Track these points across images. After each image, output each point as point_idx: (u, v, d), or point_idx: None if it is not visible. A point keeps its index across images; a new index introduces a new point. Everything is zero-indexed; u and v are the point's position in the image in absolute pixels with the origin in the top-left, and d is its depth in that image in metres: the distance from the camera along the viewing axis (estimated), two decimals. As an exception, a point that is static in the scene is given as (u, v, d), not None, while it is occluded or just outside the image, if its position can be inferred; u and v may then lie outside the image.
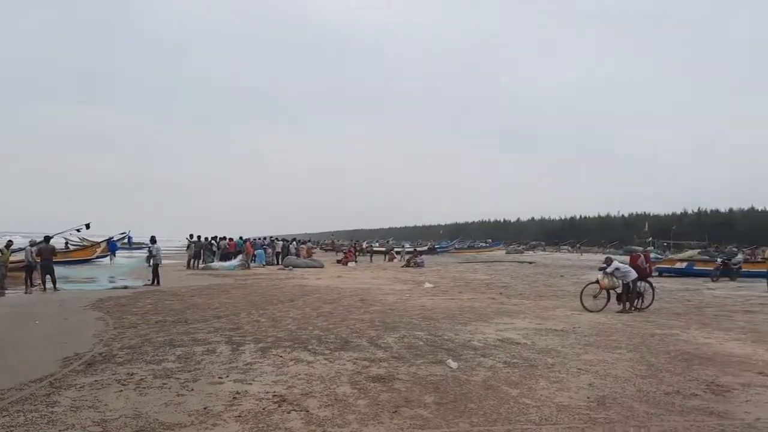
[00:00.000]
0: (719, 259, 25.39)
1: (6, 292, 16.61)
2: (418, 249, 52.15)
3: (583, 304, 13.07)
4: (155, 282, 18.83)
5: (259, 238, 44.36)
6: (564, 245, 79.98)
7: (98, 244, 32.33)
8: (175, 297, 14.99)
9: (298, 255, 33.32)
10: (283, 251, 34.17)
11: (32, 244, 18.14)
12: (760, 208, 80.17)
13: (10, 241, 19.08)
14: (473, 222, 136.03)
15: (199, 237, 29.87)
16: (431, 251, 60.36)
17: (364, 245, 53.08)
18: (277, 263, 32.34)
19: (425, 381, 6.35)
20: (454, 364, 7.10)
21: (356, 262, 36.07)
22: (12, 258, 18.70)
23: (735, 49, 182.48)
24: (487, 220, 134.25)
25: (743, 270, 24.26)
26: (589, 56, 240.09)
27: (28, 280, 17.61)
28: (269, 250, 34.33)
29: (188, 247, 29.68)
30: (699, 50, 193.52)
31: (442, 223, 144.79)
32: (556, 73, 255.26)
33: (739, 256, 25.57)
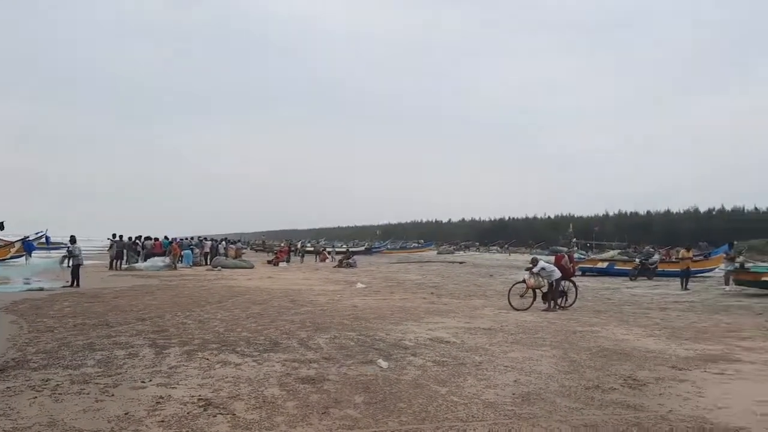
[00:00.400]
0: (637, 260, 26.64)
1: None
2: (355, 249, 52.17)
3: (510, 303, 13.42)
4: (75, 283, 17.98)
5: (187, 238, 43.19)
6: (493, 246, 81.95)
7: (12, 243, 30.54)
8: (96, 299, 14.36)
9: (227, 255, 32.65)
10: (212, 251, 33.40)
11: None
12: (675, 210, 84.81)
13: None
14: (406, 223, 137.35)
15: (121, 237, 28.68)
16: (368, 252, 60.60)
17: (299, 245, 52.61)
18: (206, 264, 31.58)
19: (355, 381, 6.34)
20: (384, 364, 7.14)
21: (288, 262, 35.71)
22: None
23: (659, 57, 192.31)
24: (419, 220, 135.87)
25: (659, 269, 25.58)
26: (521, 59, 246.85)
27: None
28: (197, 251, 33.49)
29: (110, 247, 28.46)
30: (627, 56, 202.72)
31: (375, 224, 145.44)
32: (487, 75, 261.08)
33: (656, 257, 26.90)
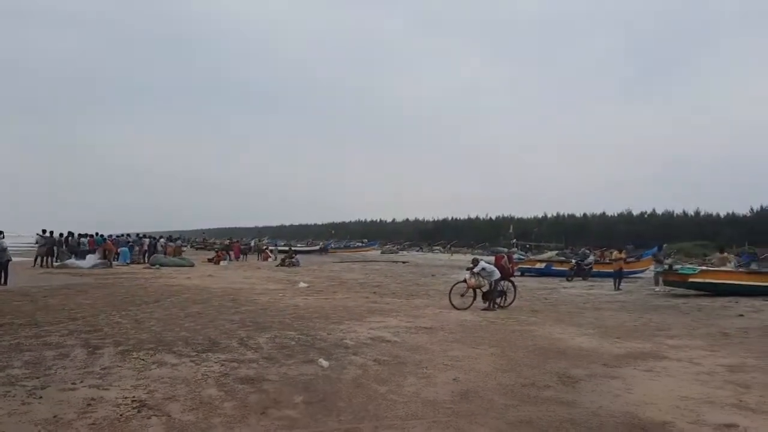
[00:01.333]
0: (574, 260, 27.47)
1: None
2: (310, 248, 51.61)
3: (451, 303, 13.62)
4: (3, 281, 17.13)
5: (123, 235, 41.83)
6: (436, 246, 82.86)
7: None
8: (24, 297, 13.74)
9: (165, 253, 31.82)
10: (150, 249, 32.47)
11: None
12: (610, 213, 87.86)
13: None
14: (350, 222, 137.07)
15: (51, 232, 27.47)
16: (323, 251, 60.11)
17: (252, 243, 51.74)
18: (144, 262, 30.67)
19: (295, 381, 6.31)
20: (325, 363, 7.12)
21: (227, 260, 35.10)
22: None
23: (592, 57, 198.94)
24: (363, 219, 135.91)
25: (594, 270, 26.46)
26: (458, 61, 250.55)
27: None
28: (135, 248, 32.50)
29: (38, 243, 26.91)
30: (562, 56, 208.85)
31: (319, 223, 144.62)
32: (427, 78, 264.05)
33: (591, 258, 27.77)
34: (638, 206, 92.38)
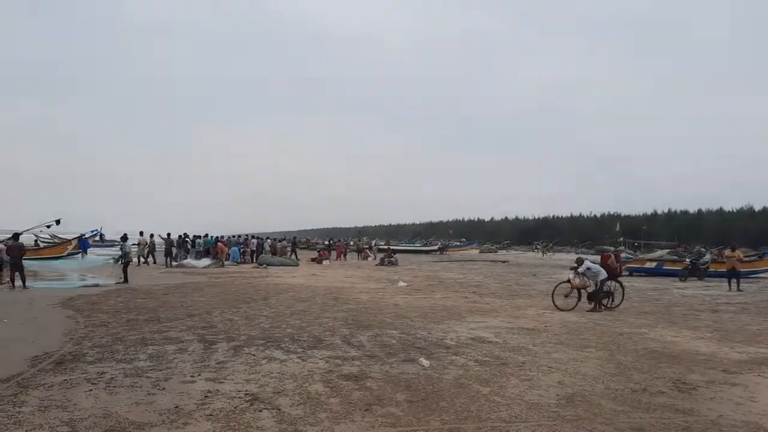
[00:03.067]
0: (688, 260, 25.88)
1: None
2: (430, 248, 51.80)
3: (554, 303, 13.26)
4: (125, 280, 18.59)
5: (234, 236, 44.01)
6: (537, 245, 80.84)
7: (69, 241, 31.80)
8: (147, 295, 14.83)
9: (274, 253, 33.15)
10: (258, 249, 33.98)
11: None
12: (728, 209, 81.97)
13: None
14: (448, 221, 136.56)
15: (169, 234, 29.50)
16: (441, 250, 59.85)
17: (373, 244, 52.77)
18: (252, 262, 32.14)
19: (397, 379, 6.40)
20: (426, 363, 7.17)
21: (329, 260, 36.03)
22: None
23: (715, 51, 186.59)
24: (461, 219, 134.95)
25: (710, 270, 24.79)
26: (565, 58, 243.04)
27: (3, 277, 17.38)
28: (245, 249, 34.12)
29: (138, 244, 28.45)
30: (679, 52, 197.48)
31: (417, 222, 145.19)
32: (531, 74, 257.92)
33: (707, 257, 26.04)
34: (760, 201, 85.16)
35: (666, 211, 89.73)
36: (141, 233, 28.82)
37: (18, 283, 16.69)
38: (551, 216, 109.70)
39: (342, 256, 41.34)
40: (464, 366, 7.15)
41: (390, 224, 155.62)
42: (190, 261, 28.37)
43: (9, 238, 17.87)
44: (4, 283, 17.18)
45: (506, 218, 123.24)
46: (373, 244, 54.05)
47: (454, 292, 17.39)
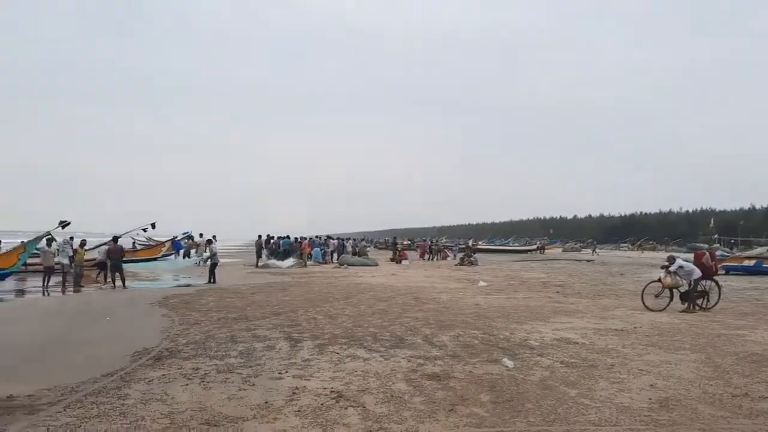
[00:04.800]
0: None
1: (82, 289, 17.49)
2: (529, 248, 50.77)
3: (644, 303, 12.73)
4: (212, 280, 19.41)
5: (317, 237, 44.97)
6: (624, 243, 77.73)
7: (163, 243, 33.54)
8: (235, 294, 15.42)
9: (355, 253, 33.61)
10: (338, 249, 34.56)
11: (82, 244, 19.10)
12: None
13: (83, 240, 20.00)
14: (528, 219, 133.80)
15: (259, 236, 30.69)
16: (540, 249, 57.66)
17: (470, 243, 52.59)
18: (332, 261, 32.74)
19: (481, 379, 6.35)
20: (510, 363, 7.07)
21: (408, 260, 36.11)
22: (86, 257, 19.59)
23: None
24: (543, 217, 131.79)
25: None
26: (643, 52, 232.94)
27: (105, 277, 18.60)
28: (326, 249, 34.79)
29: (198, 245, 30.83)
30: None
31: (497, 221, 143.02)
32: (608, 69, 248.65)
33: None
34: None
35: (765, 206, 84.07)
36: (201, 235, 30.69)
37: (118, 283, 17.79)
38: (638, 213, 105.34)
39: (426, 256, 41.16)
40: (550, 367, 7.00)
41: (469, 223, 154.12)
42: (274, 261, 29.26)
43: (109, 241, 19.06)
44: (106, 284, 18.35)
45: (590, 216, 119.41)
46: (469, 242, 53.61)
47: (537, 292, 17.03)
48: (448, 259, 39.66)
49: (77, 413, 5.09)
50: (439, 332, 9.44)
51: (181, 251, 32.73)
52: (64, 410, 5.19)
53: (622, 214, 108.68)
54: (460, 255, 36.17)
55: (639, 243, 71.63)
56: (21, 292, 17.64)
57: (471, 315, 11.62)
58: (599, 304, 13.78)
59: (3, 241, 24.62)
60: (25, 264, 19.61)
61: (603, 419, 5.02)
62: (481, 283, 19.44)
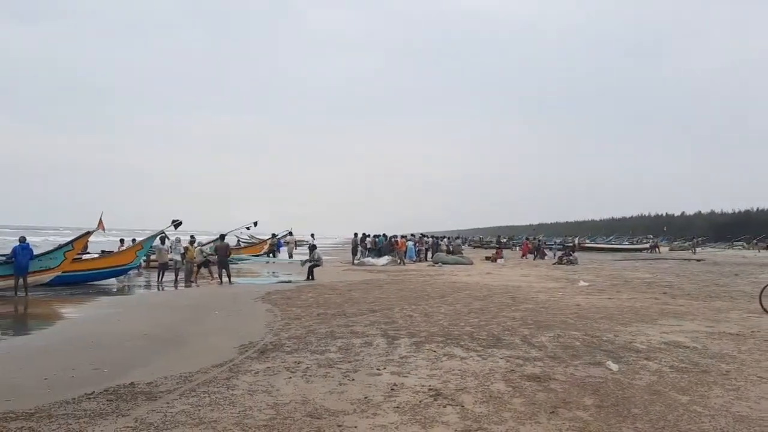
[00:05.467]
0: None
1: (193, 284, 18.59)
2: (641, 246, 48.47)
3: (762, 306, 11.83)
4: (310, 277, 20.00)
5: (413, 235, 45.21)
6: (738, 241, 72.44)
7: (265, 241, 34.93)
8: (333, 291, 15.81)
9: (449, 252, 33.51)
10: (433, 248, 34.57)
11: (177, 241, 20.28)
12: None
13: (192, 237, 21.24)
14: (631, 217, 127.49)
15: (355, 234, 31.32)
16: (653, 248, 54.15)
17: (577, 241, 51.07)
18: (426, 260, 32.79)
19: (583, 382, 6.16)
20: (614, 367, 6.80)
21: (504, 259, 35.49)
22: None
23: None
24: (646, 214, 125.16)
25: None
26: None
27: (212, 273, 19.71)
28: (420, 247, 34.92)
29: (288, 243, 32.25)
30: None
31: (596, 219, 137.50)
32: (713, 57, 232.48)
33: None
34: None
35: None
36: (290, 233, 31.88)
37: (225, 279, 18.74)
38: (754, 209, 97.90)
39: (529, 255, 40.04)
40: (658, 372, 6.67)
41: (567, 221, 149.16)
42: (370, 259, 29.73)
43: (216, 239, 20.11)
44: (213, 279, 19.37)
45: (699, 212, 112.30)
46: (575, 240, 51.88)
47: (642, 292, 16.24)
48: (546, 257, 38.60)
49: (191, 401, 5.43)
50: (538, 333, 9.24)
51: (282, 249, 34.01)
52: (180, 398, 5.55)
53: (736, 211, 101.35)
54: (559, 253, 35.12)
55: (755, 241, 66.50)
56: (139, 287, 18.98)
57: (571, 315, 11.27)
58: (711, 306, 12.95)
59: (124, 239, 26.50)
60: (147, 258, 21.21)
61: (718, 428, 4.73)
62: (582, 283, 18.80)
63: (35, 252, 16.00)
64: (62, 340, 9.53)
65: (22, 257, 14.85)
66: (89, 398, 5.53)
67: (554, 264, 31.15)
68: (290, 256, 32.68)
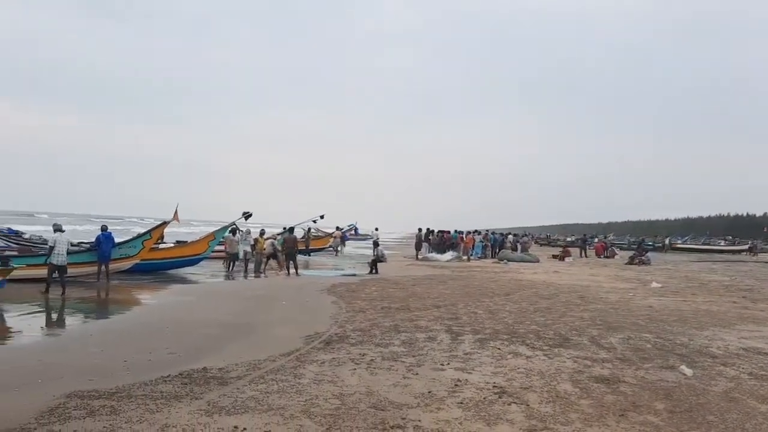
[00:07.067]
0: None
1: (262, 275, 19.14)
2: (739, 248, 45.81)
3: None
4: (373, 271, 20.17)
5: (476, 232, 44.81)
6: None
7: (330, 234, 35.48)
8: (397, 286, 15.89)
9: (515, 249, 32.99)
10: (498, 245, 34.12)
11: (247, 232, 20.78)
12: None
13: (263, 230, 21.84)
14: (710, 216, 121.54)
15: (419, 229, 31.35)
16: (752, 250, 50.99)
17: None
18: (492, 257, 32.40)
19: (654, 386, 5.96)
20: (688, 371, 6.55)
21: (572, 258, 34.60)
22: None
23: None
24: (725, 214, 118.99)
25: None
26: None
27: (280, 265, 20.24)
28: (486, 243, 34.54)
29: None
30: None
31: (671, 218, 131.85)
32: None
33: None
34: None
35: None
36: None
37: (292, 270, 19.18)
38: None
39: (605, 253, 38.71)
40: (735, 378, 6.37)
41: (639, 220, 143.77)
42: (434, 254, 29.66)
43: (284, 232, 20.60)
44: (281, 271, 19.85)
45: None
46: (666, 240, 49.79)
47: (719, 296, 15.49)
48: (616, 257, 37.35)
49: (260, 388, 5.60)
50: (607, 334, 8.99)
51: (348, 242, 34.47)
52: (249, 384, 5.74)
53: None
54: (630, 253, 33.95)
55: None
56: (211, 276, 19.69)
57: (642, 317, 10.90)
58: (797, 313, 12.22)
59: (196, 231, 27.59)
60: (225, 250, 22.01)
61: (801, 441, 4.49)
62: (654, 284, 18.12)
63: (116, 240, 16.82)
64: (139, 324, 10.05)
65: (105, 245, 15.67)
66: (165, 381, 5.81)
67: (626, 264, 30.16)
68: (335, 250, 33.08)
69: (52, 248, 13.08)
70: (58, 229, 14.06)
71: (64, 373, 6.15)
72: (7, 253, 16.25)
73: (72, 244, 16.37)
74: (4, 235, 25.42)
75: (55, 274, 12.86)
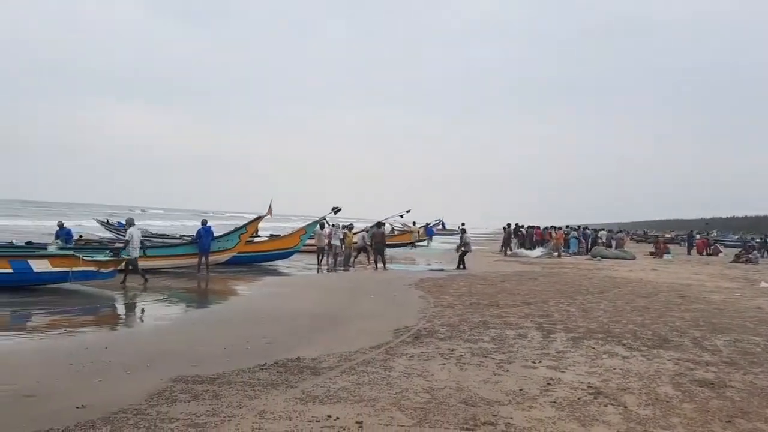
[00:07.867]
0: None
1: (351, 269, 19.52)
2: None
3: None
4: (461, 266, 20.03)
5: (567, 227, 43.56)
6: None
7: (417, 229, 35.61)
8: (485, 281, 15.72)
9: (609, 246, 31.73)
10: (592, 241, 32.95)
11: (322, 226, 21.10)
12: None
13: (351, 224, 22.25)
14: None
15: (509, 224, 30.86)
16: None
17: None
18: (585, 253, 31.34)
19: (765, 392, 5.57)
20: (804, 379, 6.08)
21: (671, 255, 32.85)
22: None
23: None
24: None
25: None
26: None
27: (368, 259, 20.57)
28: (580, 239, 33.50)
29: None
30: None
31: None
32: None
33: None
34: None
35: None
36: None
37: (380, 264, 19.41)
38: None
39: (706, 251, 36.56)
40: None
41: (747, 216, 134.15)
42: (523, 250, 29.10)
43: (373, 226, 20.89)
44: (370, 265, 20.15)
45: None
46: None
47: (840, 298, 14.23)
48: (720, 255, 35.14)
49: (352, 379, 5.73)
50: (711, 335, 8.50)
51: (434, 237, 34.41)
52: (341, 375, 5.88)
53: None
54: (736, 251, 31.83)
55: None
56: (302, 269, 20.28)
57: (751, 319, 10.22)
58: None
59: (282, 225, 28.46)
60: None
61: None
62: (763, 284, 16.91)
63: (215, 234, 17.66)
64: (237, 313, 10.53)
65: (205, 239, 16.51)
66: (262, 369, 6.06)
67: (731, 262, 28.31)
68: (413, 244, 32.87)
69: (128, 242, 13.74)
70: (131, 223, 14.86)
71: (169, 359, 6.56)
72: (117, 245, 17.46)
73: (173, 238, 17.33)
74: (115, 229, 27.35)
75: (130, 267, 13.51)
